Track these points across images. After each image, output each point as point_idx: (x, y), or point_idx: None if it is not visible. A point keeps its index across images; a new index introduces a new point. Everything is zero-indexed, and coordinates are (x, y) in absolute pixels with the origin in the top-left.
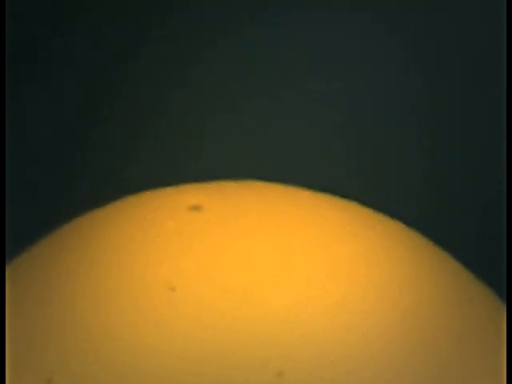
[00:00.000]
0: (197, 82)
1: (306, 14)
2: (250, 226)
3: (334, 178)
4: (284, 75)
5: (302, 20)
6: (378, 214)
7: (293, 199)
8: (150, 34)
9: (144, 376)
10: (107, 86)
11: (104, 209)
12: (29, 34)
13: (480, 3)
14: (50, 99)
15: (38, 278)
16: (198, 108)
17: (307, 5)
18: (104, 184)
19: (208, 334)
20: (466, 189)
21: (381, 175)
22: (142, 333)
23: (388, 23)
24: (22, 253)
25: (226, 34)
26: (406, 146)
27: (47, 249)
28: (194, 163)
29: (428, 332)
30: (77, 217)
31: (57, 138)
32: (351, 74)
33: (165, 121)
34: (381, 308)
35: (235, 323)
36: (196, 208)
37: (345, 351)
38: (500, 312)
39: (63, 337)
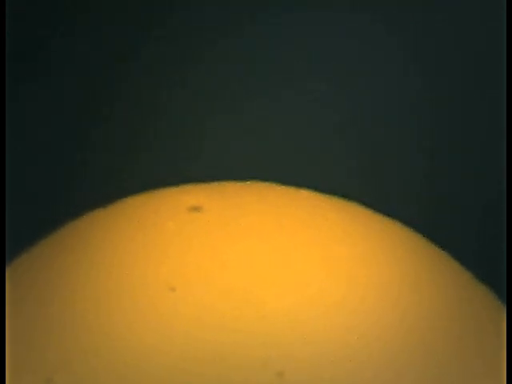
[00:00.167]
0: (197, 82)
1: (305, 14)
2: (250, 226)
3: (334, 178)
4: (284, 75)
5: (301, 20)
6: (378, 215)
7: (293, 200)
8: (149, 33)
9: (144, 376)
10: (107, 86)
11: (104, 209)
12: (29, 34)
13: (480, 3)
14: (49, 99)
15: (38, 278)
16: (198, 108)
17: (307, 5)
18: (104, 184)
19: (208, 334)
20: (465, 189)
21: (381, 175)
22: (141, 333)
23: (388, 23)
24: (22, 253)
25: (225, 34)
26: (406, 146)
27: (47, 249)
28: (194, 163)
29: (428, 332)
30: (77, 217)
31: (57, 138)
32: (351, 73)
33: (165, 121)
34: (380, 308)
35: (235, 323)
36: (196, 208)
37: (345, 351)
38: (500, 312)
39: (63, 337)
